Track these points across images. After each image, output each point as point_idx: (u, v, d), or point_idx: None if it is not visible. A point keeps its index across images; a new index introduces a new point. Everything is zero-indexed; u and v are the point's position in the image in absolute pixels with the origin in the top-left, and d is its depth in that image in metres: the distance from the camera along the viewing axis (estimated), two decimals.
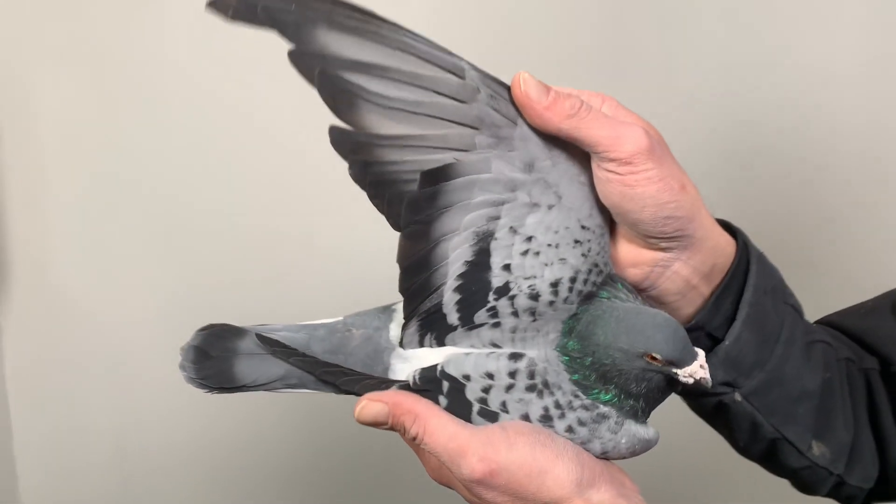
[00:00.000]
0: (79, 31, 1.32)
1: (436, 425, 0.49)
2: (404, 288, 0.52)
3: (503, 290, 0.51)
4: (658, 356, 0.49)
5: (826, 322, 0.69)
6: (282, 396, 0.58)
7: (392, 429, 0.50)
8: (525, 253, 0.51)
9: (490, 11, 1.19)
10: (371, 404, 0.50)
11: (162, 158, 1.32)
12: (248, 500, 1.40)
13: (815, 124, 1.18)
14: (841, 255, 1.20)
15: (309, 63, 0.47)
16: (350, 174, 0.50)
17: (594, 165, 0.51)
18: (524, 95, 0.49)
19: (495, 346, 0.52)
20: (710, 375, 0.51)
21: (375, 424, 0.50)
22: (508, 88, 0.51)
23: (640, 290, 0.55)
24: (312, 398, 0.59)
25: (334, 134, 0.48)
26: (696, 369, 0.50)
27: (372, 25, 0.48)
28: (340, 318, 0.56)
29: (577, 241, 0.52)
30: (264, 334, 0.54)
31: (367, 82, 0.48)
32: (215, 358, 0.54)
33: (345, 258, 1.29)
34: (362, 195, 0.51)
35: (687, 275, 0.55)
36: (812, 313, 0.68)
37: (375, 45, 0.48)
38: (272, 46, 0.48)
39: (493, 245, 0.51)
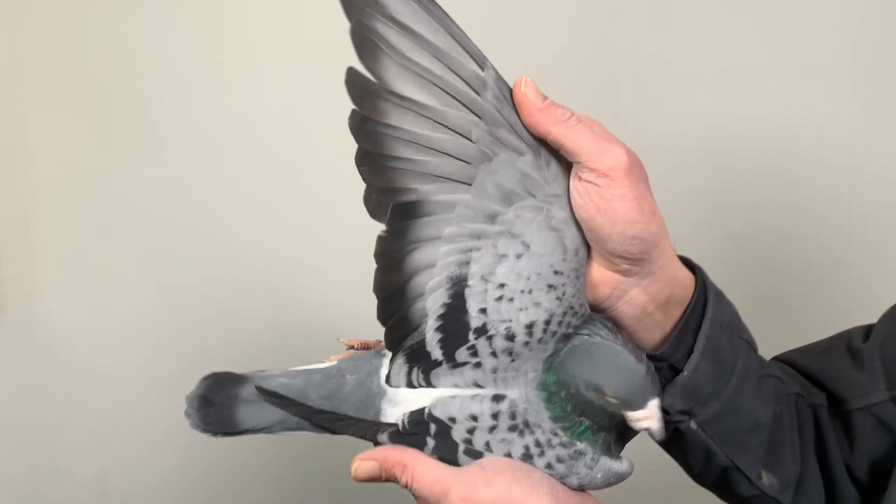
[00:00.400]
0: (70, 66, 1.33)
1: (422, 472, 0.54)
2: (382, 317, 0.56)
3: (481, 331, 0.54)
4: (608, 392, 0.53)
5: (782, 359, 0.73)
6: (266, 439, 0.61)
7: (387, 480, 0.55)
8: (499, 299, 0.54)
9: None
10: (364, 463, 0.55)
11: (153, 196, 1.33)
12: None
13: (793, 171, 1.23)
14: (811, 294, 1.25)
15: (353, 3, 0.50)
16: (349, 124, 0.52)
17: (573, 178, 0.54)
18: (522, 95, 0.53)
19: (478, 385, 0.55)
20: (669, 404, 0.55)
21: (371, 480, 0.55)
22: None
23: (599, 310, 0.58)
24: (298, 440, 0.62)
25: (351, 75, 0.51)
26: (643, 416, 0.53)
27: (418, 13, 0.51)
28: (335, 363, 0.59)
29: (550, 286, 0.54)
30: (263, 385, 0.58)
31: (397, 39, 0.51)
32: (218, 405, 0.58)
33: (335, 294, 1.30)
34: (356, 234, 0.55)
35: (644, 302, 0.57)
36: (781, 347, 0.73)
37: (419, 9, 0.51)
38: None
39: (468, 292, 0.55)
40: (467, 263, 0.54)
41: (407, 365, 0.56)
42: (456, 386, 0.56)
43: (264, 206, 1.33)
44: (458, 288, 0.55)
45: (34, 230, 1.38)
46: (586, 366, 0.53)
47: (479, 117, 0.53)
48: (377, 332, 0.58)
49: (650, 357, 0.57)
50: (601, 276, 0.57)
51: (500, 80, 0.53)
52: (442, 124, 0.53)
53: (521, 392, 0.55)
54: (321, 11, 1.25)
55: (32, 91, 1.34)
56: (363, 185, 0.54)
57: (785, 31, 1.22)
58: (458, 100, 0.52)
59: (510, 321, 0.54)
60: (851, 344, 0.70)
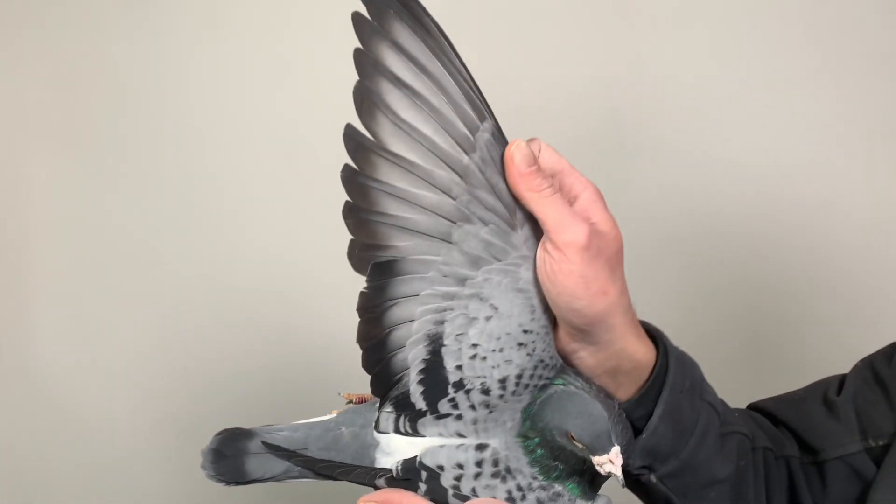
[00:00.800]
0: (67, 107, 1.36)
1: None
2: (366, 366, 0.61)
3: (459, 385, 0.60)
4: (575, 437, 0.57)
5: (758, 407, 0.77)
6: (268, 488, 0.66)
7: None
8: (473, 357, 0.60)
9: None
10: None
11: (148, 239, 1.35)
12: None
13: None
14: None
15: (362, 63, 0.55)
16: (341, 176, 0.57)
17: (541, 243, 0.58)
18: (510, 157, 0.57)
19: (460, 435, 0.61)
20: (629, 460, 0.59)
21: None
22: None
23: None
24: (298, 487, 0.67)
25: (348, 130, 0.56)
26: (605, 461, 0.57)
27: (428, 57, 0.55)
28: (333, 416, 0.65)
29: (520, 344, 0.59)
30: (268, 439, 0.64)
31: (395, 99, 0.55)
32: (229, 457, 0.64)
33: (329, 336, 1.30)
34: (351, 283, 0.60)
35: (591, 365, 0.61)
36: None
37: (419, 73, 0.55)
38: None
39: (444, 350, 0.60)
40: (442, 322, 0.60)
41: (394, 413, 0.62)
42: (440, 435, 0.61)
43: (262, 249, 1.35)
44: (435, 346, 0.60)
45: (28, 272, 1.39)
46: (558, 414, 0.58)
47: (461, 177, 0.57)
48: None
49: None
50: (556, 333, 0.61)
51: (496, 138, 0.57)
52: (427, 181, 0.57)
53: (502, 440, 0.60)
54: (309, 49, 1.31)
55: (29, 134, 1.37)
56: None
57: (776, 75, 1.25)
58: (443, 160, 0.57)
59: (484, 377, 0.60)
60: (827, 396, 0.74)
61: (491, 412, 0.60)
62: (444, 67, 0.56)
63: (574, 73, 1.28)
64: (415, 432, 0.62)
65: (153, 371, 1.38)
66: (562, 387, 0.60)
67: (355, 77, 0.56)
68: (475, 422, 0.61)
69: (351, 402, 0.67)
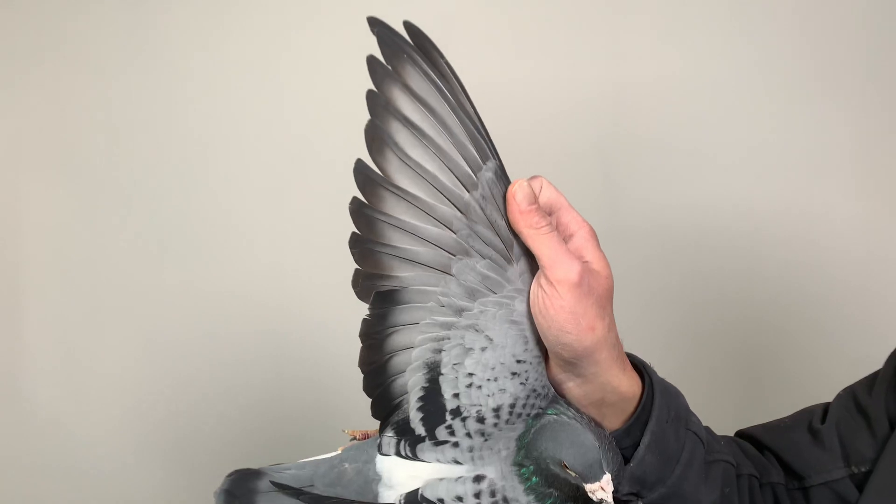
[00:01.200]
0: (64, 143, 1.37)
1: None
2: (367, 390, 0.64)
3: (456, 412, 0.63)
4: (568, 466, 0.60)
5: (745, 434, 0.80)
6: None
7: None
8: (469, 386, 0.63)
9: None
10: None
11: (135, 259, 1.36)
12: None
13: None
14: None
15: (374, 104, 0.58)
16: (349, 208, 0.60)
17: (536, 277, 0.61)
18: (511, 195, 0.59)
19: (457, 462, 0.63)
20: (618, 487, 0.61)
21: None
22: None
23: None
24: None
25: (359, 165, 0.59)
26: (597, 489, 0.59)
27: (436, 99, 0.58)
28: (338, 453, 0.68)
29: (514, 374, 0.62)
30: (276, 478, 0.66)
31: (404, 138, 0.59)
32: (240, 497, 0.66)
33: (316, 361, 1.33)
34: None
35: (578, 396, 0.64)
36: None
37: (427, 114, 0.58)
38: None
39: (441, 379, 0.63)
40: (440, 351, 0.63)
41: (395, 438, 0.65)
42: (438, 461, 0.64)
43: (255, 267, 1.36)
44: (433, 374, 0.63)
45: (18, 287, 1.40)
46: (551, 443, 0.61)
47: (462, 213, 0.60)
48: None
49: None
50: (545, 364, 0.64)
51: (498, 177, 0.60)
52: (430, 215, 0.60)
53: (498, 469, 0.63)
54: (309, 66, 1.33)
55: (21, 152, 1.39)
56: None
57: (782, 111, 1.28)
58: (446, 196, 0.60)
59: (480, 405, 0.63)
60: (811, 424, 0.77)
61: (486, 440, 0.63)
62: (452, 109, 0.59)
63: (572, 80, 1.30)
64: (415, 456, 0.64)
65: (142, 386, 1.39)
66: (554, 417, 0.62)
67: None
68: (471, 449, 0.63)
69: (355, 438, 0.70)
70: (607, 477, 0.60)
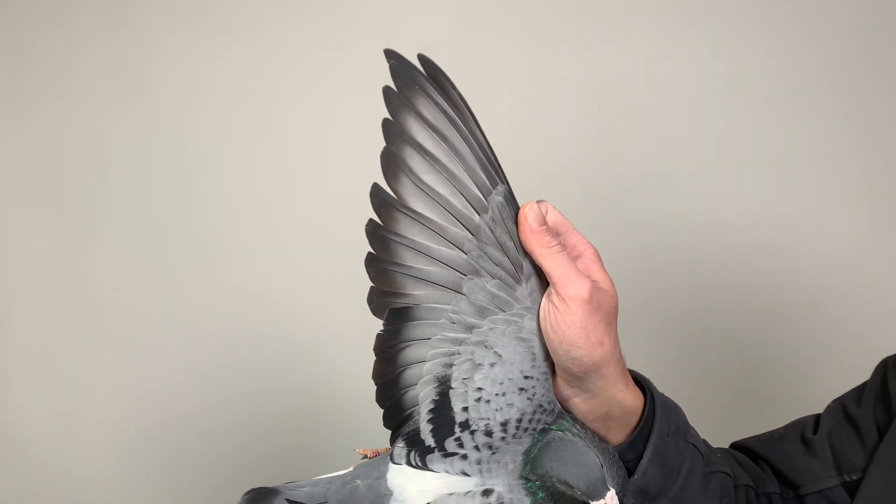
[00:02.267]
0: (48, 172, 1.38)
1: None
2: (380, 401, 0.67)
3: (465, 425, 0.65)
4: (573, 486, 0.62)
5: (741, 445, 0.82)
6: None
7: None
8: (478, 400, 0.65)
9: None
10: None
11: (127, 297, 1.36)
12: None
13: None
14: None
15: (389, 131, 0.61)
16: (365, 229, 0.62)
17: (546, 295, 0.63)
18: (523, 217, 0.63)
19: (465, 474, 0.65)
20: (622, 499, 0.63)
21: None
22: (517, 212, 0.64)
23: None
24: None
25: (374, 188, 0.62)
26: None
27: (448, 127, 0.61)
28: (350, 470, 0.70)
29: (521, 389, 0.64)
30: (291, 497, 0.68)
31: (418, 164, 0.62)
32: None
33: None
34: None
35: (585, 411, 0.66)
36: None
37: (440, 141, 0.61)
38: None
39: (451, 393, 0.65)
40: (450, 366, 0.65)
41: (406, 448, 0.67)
42: (447, 472, 0.66)
43: (245, 301, 1.36)
44: (443, 387, 0.65)
45: (6, 332, 1.40)
46: (556, 462, 0.63)
47: (473, 234, 0.63)
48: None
49: None
50: (552, 380, 0.66)
51: (507, 201, 0.63)
52: (442, 237, 0.63)
53: (505, 482, 0.65)
54: (313, 92, 1.34)
55: (5, 190, 1.40)
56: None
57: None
58: (458, 218, 0.63)
59: (488, 419, 0.65)
60: (804, 434, 0.80)
61: (494, 453, 0.65)
62: (464, 137, 0.62)
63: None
64: (424, 466, 0.66)
65: (132, 425, 1.38)
66: (559, 433, 0.64)
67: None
68: (479, 462, 0.65)
69: (366, 456, 0.72)
70: (611, 493, 0.62)
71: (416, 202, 0.62)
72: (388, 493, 0.67)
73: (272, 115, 1.38)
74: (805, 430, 0.80)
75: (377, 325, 0.65)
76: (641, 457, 0.68)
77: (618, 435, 0.68)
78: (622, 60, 1.32)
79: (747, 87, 1.30)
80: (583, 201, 1.33)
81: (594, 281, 0.63)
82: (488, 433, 0.65)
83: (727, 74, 1.31)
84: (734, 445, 0.84)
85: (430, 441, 0.66)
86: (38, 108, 1.40)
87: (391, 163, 0.61)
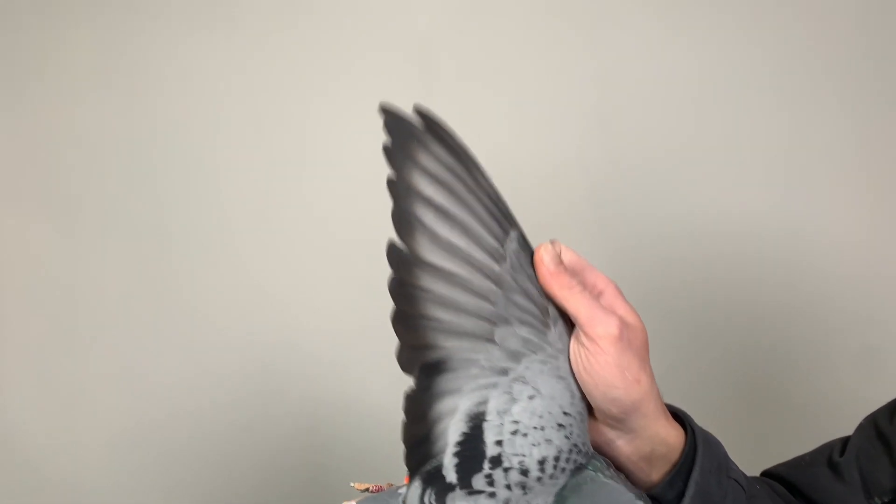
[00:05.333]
0: (42, 173, 1.36)
1: None
2: (411, 464, 0.62)
3: (496, 461, 0.60)
4: None
5: (771, 473, 0.80)
6: None
7: None
8: (514, 433, 0.61)
9: None
10: None
11: (124, 305, 1.35)
12: None
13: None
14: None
15: (396, 189, 0.59)
16: (388, 286, 0.60)
17: (574, 337, 0.61)
18: (539, 259, 0.61)
19: None
20: None
21: None
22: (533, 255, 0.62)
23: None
24: None
25: (391, 247, 0.59)
26: None
27: (454, 178, 0.60)
28: None
29: (560, 425, 0.61)
30: None
31: (431, 219, 0.60)
32: None
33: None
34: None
35: (628, 452, 0.64)
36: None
37: (449, 195, 0.60)
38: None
39: (485, 425, 0.61)
40: (485, 402, 0.61)
41: (421, 487, 0.62)
42: None
43: (242, 306, 1.34)
44: (476, 421, 0.61)
45: (1, 341, 1.38)
46: None
47: (496, 284, 0.61)
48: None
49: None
50: (593, 426, 0.64)
51: (522, 246, 0.62)
52: (466, 288, 0.61)
53: None
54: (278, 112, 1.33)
55: (3, 198, 1.37)
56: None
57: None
58: (479, 270, 0.60)
59: (524, 455, 0.60)
60: (831, 458, 0.77)
61: (525, 493, 0.61)
62: (469, 188, 0.60)
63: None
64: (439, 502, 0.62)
65: (132, 438, 1.37)
66: (591, 473, 0.61)
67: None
68: (507, 502, 0.60)
69: (367, 489, 0.68)
70: None
71: (435, 257, 0.60)
72: None
73: (277, 110, 1.36)
74: (833, 454, 0.78)
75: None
76: (682, 495, 0.66)
77: (659, 472, 0.66)
78: (626, 50, 1.30)
79: (753, 79, 1.28)
80: (586, 195, 1.31)
81: (620, 317, 0.61)
82: (524, 472, 0.60)
83: (732, 65, 1.28)
84: (765, 473, 0.81)
85: (452, 477, 0.61)
86: (34, 106, 1.38)
87: (403, 220, 0.59)
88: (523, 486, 0.60)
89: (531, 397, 0.61)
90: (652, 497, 0.66)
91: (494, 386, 0.61)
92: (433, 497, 0.61)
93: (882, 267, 1.26)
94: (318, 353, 1.33)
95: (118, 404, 1.36)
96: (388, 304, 0.60)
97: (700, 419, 0.72)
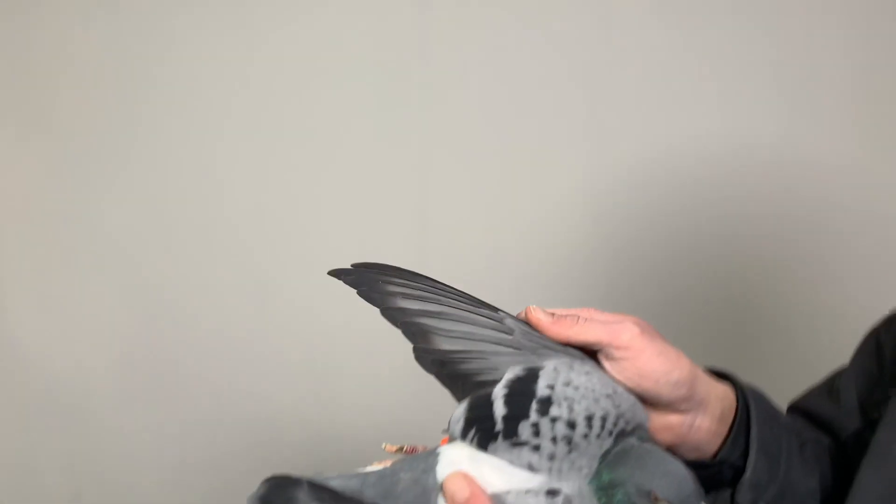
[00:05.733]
0: (38, 95, 1.32)
1: None
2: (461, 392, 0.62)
3: (545, 403, 0.58)
4: (660, 496, 0.55)
5: (797, 407, 0.80)
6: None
7: None
8: (567, 384, 0.59)
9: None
10: (460, 480, 0.57)
11: (118, 221, 1.33)
12: None
13: None
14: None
15: (392, 315, 0.61)
16: (414, 355, 0.61)
17: (604, 361, 0.62)
18: (536, 320, 0.63)
19: (532, 468, 0.57)
20: (738, 499, 0.60)
21: (450, 495, 0.57)
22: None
23: (673, 450, 0.64)
24: None
25: (417, 352, 0.61)
26: None
27: (428, 289, 0.62)
28: (389, 464, 0.61)
29: (608, 395, 0.60)
30: (317, 482, 0.59)
31: (435, 322, 0.61)
32: None
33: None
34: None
35: (708, 425, 0.66)
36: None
37: (434, 301, 0.62)
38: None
39: (541, 373, 0.60)
40: (545, 361, 0.61)
41: (465, 424, 0.59)
42: (511, 463, 0.57)
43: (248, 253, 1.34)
44: (532, 371, 0.60)
45: (3, 265, 1.37)
46: (638, 471, 0.56)
47: (518, 349, 0.61)
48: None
49: (712, 464, 0.67)
50: (667, 422, 0.65)
51: (514, 319, 0.63)
52: (487, 341, 0.62)
53: (575, 486, 0.57)
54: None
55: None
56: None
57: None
58: (497, 342, 0.62)
59: (573, 403, 0.58)
60: (833, 382, 0.78)
61: (570, 452, 0.57)
62: (444, 292, 0.63)
63: None
64: (483, 449, 0.58)
65: (128, 337, 1.38)
66: (635, 441, 0.59)
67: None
68: (552, 457, 0.57)
69: (402, 449, 0.64)
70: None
71: (457, 345, 0.62)
72: (436, 488, 0.58)
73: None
74: (836, 378, 0.78)
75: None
76: (746, 451, 0.67)
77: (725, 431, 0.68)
78: None
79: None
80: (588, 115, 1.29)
81: (625, 317, 0.64)
82: (570, 424, 0.57)
83: None
84: (789, 409, 0.81)
85: (499, 422, 0.58)
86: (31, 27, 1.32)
87: (413, 333, 0.61)
88: (569, 442, 0.57)
89: (587, 372, 0.61)
90: (716, 465, 0.68)
91: (553, 357, 0.62)
92: (476, 439, 0.58)
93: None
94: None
95: (121, 327, 1.37)
96: None
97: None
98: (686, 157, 1.26)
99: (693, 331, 1.28)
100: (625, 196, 1.27)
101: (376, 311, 0.61)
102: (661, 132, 1.27)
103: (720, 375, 0.70)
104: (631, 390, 0.62)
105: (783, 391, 0.81)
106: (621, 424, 0.58)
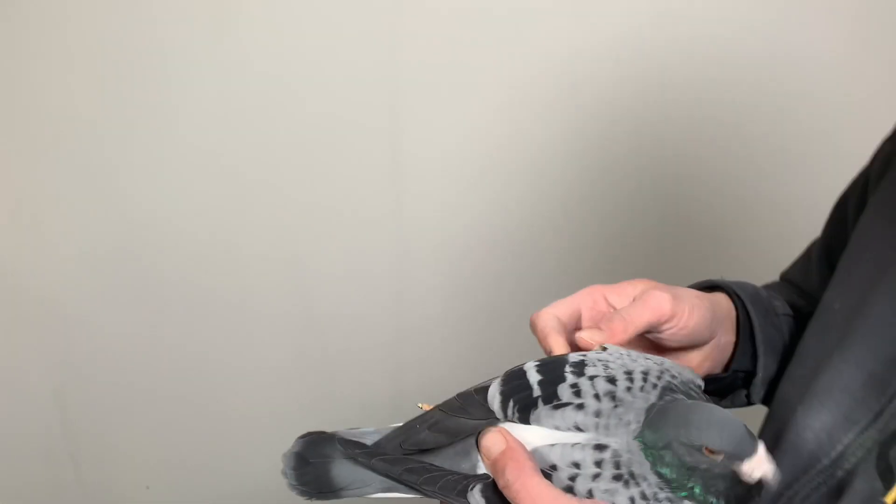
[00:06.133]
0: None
1: (533, 485, 0.53)
2: None
3: (579, 365, 0.57)
4: (713, 448, 0.52)
5: (786, 278, 0.82)
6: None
7: (493, 465, 0.55)
8: (598, 352, 0.59)
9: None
10: (497, 436, 0.55)
11: (85, 114, 1.29)
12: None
13: None
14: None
15: (383, 470, 0.57)
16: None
17: (658, 342, 0.65)
18: (592, 343, 0.61)
19: (579, 429, 0.55)
20: (753, 397, 0.64)
21: (486, 450, 0.55)
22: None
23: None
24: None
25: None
26: (756, 463, 0.52)
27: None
28: None
29: (646, 357, 0.59)
30: (348, 437, 0.58)
31: (419, 460, 0.58)
32: (313, 464, 0.58)
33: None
34: None
35: (727, 339, 0.70)
36: None
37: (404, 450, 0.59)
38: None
39: (569, 355, 0.59)
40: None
41: (500, 395, 0.57)
42: (557, 428, 0.55)
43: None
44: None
45: None
46: (683, 427, 0.53)
47: None
48: None
49: (727, 375, 0.71)
50: (703, 355, 0.68)
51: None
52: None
53: (623, 442, 0.54)
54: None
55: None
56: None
57: None
58: None
59: (607, 363, 0.57)
60: (810, 250, 0.80)
61: (616, 406, 0.55)
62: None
63: None
64: (524, 422, 0.56)
65: (103, 237, 1.35)
66: (680, 396, 0.56)
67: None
68: (598, 414, 0.55)
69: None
70: (762, 448, 0.53)
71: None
72: (474, 445, 0.57)
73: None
74: (812, 248, 0.80)
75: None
76: (754, 356, 0.71)
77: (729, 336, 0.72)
78: None
79: None
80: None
81: (651, 296, 0.64)
82: (611, 380, 0.56)
83: None
84: (781, 279, 0.84)
85: (536, 388, 0.56)
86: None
87: (411, 476, 0.58)
88: (613, 397, 0.56)
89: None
90: (733, 371, 0.72)
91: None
92: (516, 410, 0.56)
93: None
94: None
95: (89, 219, 1.34)
96: None
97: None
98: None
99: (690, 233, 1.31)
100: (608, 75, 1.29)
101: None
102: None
103: (711, 288, 0.73)
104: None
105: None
106: (666, 378, 0.57)
